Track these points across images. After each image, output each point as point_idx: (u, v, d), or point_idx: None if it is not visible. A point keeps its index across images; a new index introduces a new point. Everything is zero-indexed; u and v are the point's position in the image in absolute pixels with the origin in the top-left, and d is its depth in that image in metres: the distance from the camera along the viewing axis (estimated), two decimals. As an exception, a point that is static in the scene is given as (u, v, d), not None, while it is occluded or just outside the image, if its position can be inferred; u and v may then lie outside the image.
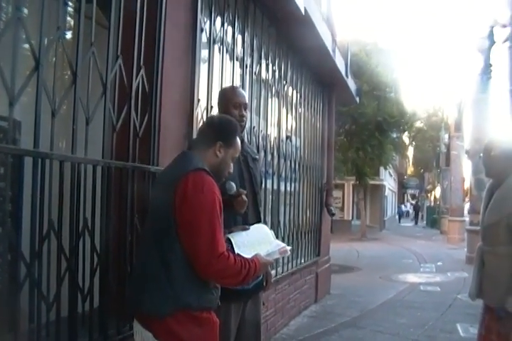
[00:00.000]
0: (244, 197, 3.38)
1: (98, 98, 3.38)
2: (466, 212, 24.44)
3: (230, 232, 3.13)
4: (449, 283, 12.53)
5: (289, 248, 3.20)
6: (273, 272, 5.93)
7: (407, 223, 45.92)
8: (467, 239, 17.35)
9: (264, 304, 4.28)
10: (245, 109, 3.76)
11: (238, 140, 3.05)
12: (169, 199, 2.69)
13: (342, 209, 32.62)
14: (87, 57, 3.27)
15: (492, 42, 16.87)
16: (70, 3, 3.73)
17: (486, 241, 4.22)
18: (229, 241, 3.02)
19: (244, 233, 3.23)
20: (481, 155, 4.43)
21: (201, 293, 2.74)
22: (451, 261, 16.86)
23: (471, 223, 16.88)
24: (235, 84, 5.40)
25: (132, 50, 3.74)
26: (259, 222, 3.78)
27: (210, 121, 3.28)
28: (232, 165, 3.05)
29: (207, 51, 4.98)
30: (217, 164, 2.93)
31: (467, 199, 25.07)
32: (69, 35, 4.01)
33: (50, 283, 2.94)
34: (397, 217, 43.38)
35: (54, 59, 3.06)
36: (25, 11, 3.38)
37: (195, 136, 4.29)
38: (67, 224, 3.08)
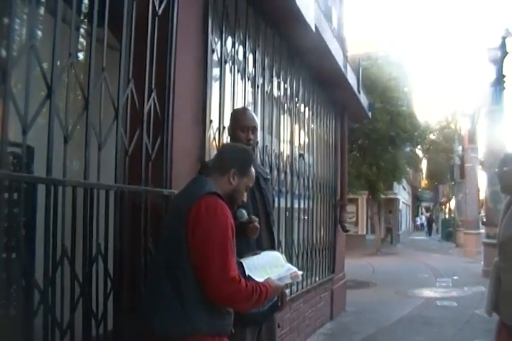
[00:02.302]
0: (256, 223, 3.37)
1: (110, 122, 3.38)
2: (481, 224, 24.20)
3: (241, 257, 3.12)
4: (466, 297, 12.40)
5: (300, 273, 3.20)
6: (287, 291, 5.89)
7: (422, 236, 45.57)
8: (483, 252, 17.17)
9: (279, 326, 4.25)
10: (253, 133, 3.76)
11: (253, 169, 3.06)
12: (182, 222, 2.71)
13: (356, 223, 32.43)
14: (99, 81, 3.28)
15: (504, 53, 16.84)
16: (83, 26, 3.77)
17: (502, 257, 4.19)
18: (240, 265, 3.01)
19: (255, 257, 3.23)
20: (496, 170, 4.41)
21: (213, 318, 2.74)
22: (467, 274, 16.69)
23: (487, 236, 16.73)
24: (246, 105, 5.41)
25: (144, 73, 3.75)
26: (273, 244, 3.78)
27: (225, 149, 3.31)
28: (245, 194, 3.06)
29: (218, 71, 4.98)
30: (230, 191, 2.95)
31: (482, 211, 24.89)
32: (80, 56, 4.03)
33: (63, 308, 2.93)
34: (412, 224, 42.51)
35: (66, 84, 3.06)
36: (39, 33, 3.43)
37: (207, 157, 4.31)
38: (80, 250, 3.07)
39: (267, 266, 3.14)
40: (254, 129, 3.80)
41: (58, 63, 2.93)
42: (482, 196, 25.88)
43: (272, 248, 3.72)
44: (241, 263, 3.04)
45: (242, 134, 3.72)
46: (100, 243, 3.24)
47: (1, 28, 2.98)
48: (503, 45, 16.92)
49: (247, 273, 2.98)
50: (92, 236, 3.17)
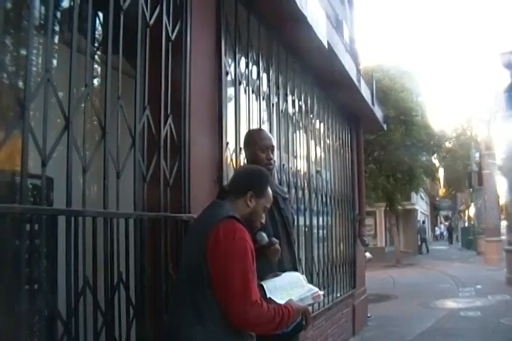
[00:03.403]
0: (277, 245, 3.35)
1: (127, 150, 3.40)
2: (502, 230, 23.97)
3: (262, 280, 3.11)
4: (490, 307, 12.24)
5: (321, 292, 3.18)
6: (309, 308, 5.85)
7: (442, 246, 45.24)
8: (506, 260, 17.03)
9: (303, 346, 4.22)
10: (272, 152, 3.76)
11: (270, 191, 3.05)
12: (201, 247, 2.70)
13: (375, 236, 32.22)
14: (115, 109, 3.30)
15: (518, 57, 16.76)
16: (97, 53, 3.80)
17: None
18: (261, 287, 2.99)
19: (276, 278, 3.22)
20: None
21: None
22: (490, 283, 16.50)
23: (510, 243, 16.58)
24: (262, 124, 5.42)
25: (159, 98, 3.77)
26: (295, 264, 3.76)
27: (241, 172, 3.30)
28: (264, 215, 3.05)
29: (233, 92, 5.01)
30: (248, 214, 2.94)
31: (503, 217, 24.70)
32: (96, 84, 4.05)
33: (87, 338, 2.93)
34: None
35: (83, 114, 3.08)
36: (54, 62, 3.46)
37: (225, 179, 4.31)
38: (101, 279, 3.08)
39: (288, 287, 3.12)
40: (273, 148, 3.79)
41: (75, 92, 2.96)
42: (502, 202, 25.70)
43: (294, 268, 3.70)
44: (261, 285, 3.03)
45: (261, 154, 3.70)
46: (121, 271, 3.25)
47: (17, 60, 3.03)
48: (516, 49, 16.86)
49: (268, 295, 2.97)
50: (113, 265, 3.18)
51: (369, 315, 11.11)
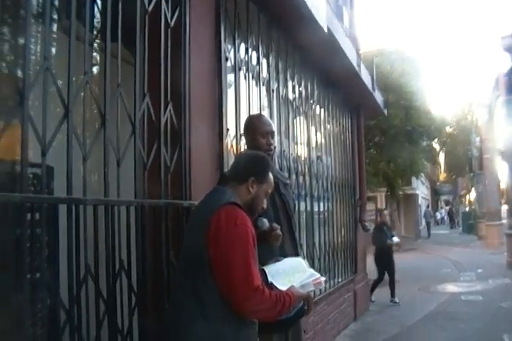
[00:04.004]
0: (278, 231, 3.35)
1: (128, 138, 3.39)
2: (503, 215, 24.01)
3: (263, 265, 3.11)
4: (491, 290, 12.31)
5: (323, 279, 3.18)
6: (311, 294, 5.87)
7: (443, 230, 45.26)
8: (507, 243, 17.08)
9: (304, 331, 4.23)
10: (273, 137, 3.74)
11: (271, 176, 3.04)
12: (202, 233, 2.70)
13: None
14: (115, 97, 3.29)
15: (518, 41, 16.67)
16: (96, 41, 3.78)
17: None
18: (262, 272, 2.99)
19: (277, 263, 3.22)
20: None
21: (239, 329, 2.72)
22: (491, 267, 16.54)
23: (510, 227, 16.60)
24: (261, 109, 5.40)
25: (159, 86, 3.76)
26: (296, 249, 3.76)
27: (242, 158, 3.29)
28: (265, 201, 3.04)
29: (232, 78, 4.98)
30: (250, 200, 2.93)
31: (503, 202, 24.72)
32: (95, 72, 4.03)
33: (89, 326, 2.94)
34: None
35: (82, 102, 3.07)
36: (53, 50, 3.44)
37: (226, 165, 4.30)
38: (103, 267, 3.09)
39: (290, 272, 3.12)
40: (273, 134, 3.77)
41: (74, 80, 2.94)
42: (502, 186, 25.71)
43: (296, 253, 3.70)
44: (263, 270, 3.03)
45: (262, 140, 3.68)
46: (123, 258, 3.25)
47: (16, 49, 3.01)
48: (517, 33, 16.76)
49: (269, 280, 2.97)
50: (115, 252, 3.18)
51: (372, 299, 11.26)
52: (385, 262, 11.53)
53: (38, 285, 2.70)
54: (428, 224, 38.89)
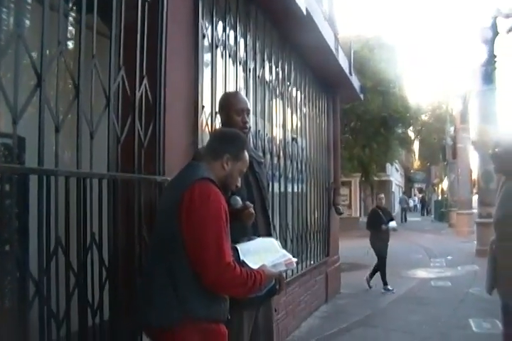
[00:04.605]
0: (251, 209, 3.34)
1: (101, 110, 3.34)
2: (474, 204, 24.30)
3: (236, 243, 3.11)
4: (460, 277, 12.53)
5: (294, 260, 3.18)
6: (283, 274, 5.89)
7: (415, 217, 45.71)
8: (477, 232, 17.32)
9: (276, 310, 4.25)
10: (248, 115, 3.72)
11: (246, 154, 3.03)
12: (175, 208, 2.70)
13: (349, 206, 32.53)
14: (89, 69, 3.24)
15: (495, 33, 16.81)
16: (71, 14, 3.72)
17: (497, 236, 4.22)
18: (235, 250, 2.99)
19: (250, 242, 3.22)
20: (490, 152, 4.43)
21: (209, 304, 2.73)
22: (461, 254, 16.79)
23: (480, 215, 16.82)
24: (238, 88, 5.37)
25: (134, 59, 3.71)
26: (269, 229, 3.76)
27: (218, 134, 3.28)
28: (239, 179, 3.03)
29: (209, 56, 4.94)
30: (224, 177, 2.92)
31: (475, 191, 24.99)
32: (70, 45, 3.97)
33: (59, 299, 2.92)
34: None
35: (56, 72, 3.01)
36: (27, 22, 3.38)
37: (200, 143, 4.28)
38: (74, 240, 3.05)
39: (262, 251, 3.13)
40: (248, 112, 3.75)
41: (47, 52, 2.89)
42: (474, 176, 25.97)
43: (268, 233, 3.70)
44: (235, 248, 3.03)
45: (237, 117, 3.65)
46: (94, 232, 3.22)
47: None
48: (494, 25, 16.88)
49: (241, 258, 2.97)
50: (86, 226, 3.14)
51: (371, 285, 11.17)
52: (379, 247, 11.32)
53: (7, 258, 2.67)
54: (404, 209, 39.60)
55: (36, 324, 2.76)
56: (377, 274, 11.07)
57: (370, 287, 11.12)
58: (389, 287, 10.92)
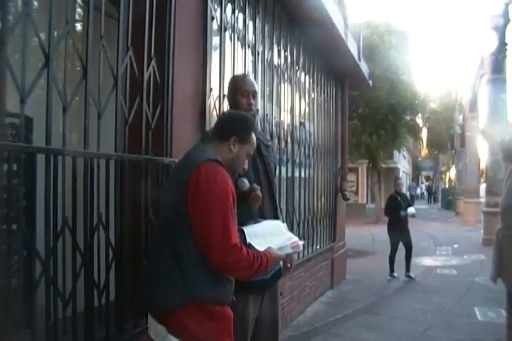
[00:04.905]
0: (258, 192, 3.33)
1: (109, 91, 3.34)
2: (481, 193, 24.24)
3: (242, 226, 3.10)
4: (466, 266, 12.50)
5: (301, 242, 3.17)
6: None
7: (422, 205, 45.64)
8: (483, 221, 17.26)
9: (281, 294, 4.26)
10: (254, 98, 3.69)
11: (254, 136, 3.02)
12: (182, 189, 2.68)
13: (356, 192, 32.57)
14: (97, 50, 3.23)
15: (507, 21, 16.62)
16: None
17: (503, 225, 4.21)
18: (241, 232, 2.99)
19: (256, 225, 3.21)
20: (498, 139, 4.41)
21: (214, 286, 2.73)
22: (467, 243, 16.77)
23: (488, 204, 16.77)
24: (246, 72, 5.35)
25: (142, 40, 3.70)
26: (275, 213, 3.75)
27: (226, 116, 3.26)
28: (246, 161, 3.02)
29: (218, 39, 4.91)
30: (231, 159, 2.91)
31: (483, 180, 24.93)
32: (78, 27, 3.96)
33: (65, 279, 2.94)
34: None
35: (64, 53, 3.01)
36: (35, 3, 3.36)
37: (208, 126, 4.27)
38: (81, 220, 3.07)
39: (268, 234, 3.12)
40: (255, 94, 3.71)
41: (55, 33, 2.89)
42: (482, 165, 25.89)
43: (275, 216, 3.69)
44: (242, 230, 3.02)
45: (242, 99, 3.63)
46: (101, 212, 3.23)
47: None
48: (506, 12, 16.70)
49: (247, 240, 2.97)
50: (93, 206, 3.16)
51: (395, 275, 10.92)
52: (398, 234, 10.99)
53: (14, 237, 2.67)
54: (412, 197, 39.41)
55: (42, 303, 2.78)
56: (380, 261, 11.02)
57: (413, 278, 10.76)
58: (411, 274, 10.75)
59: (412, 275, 10.79)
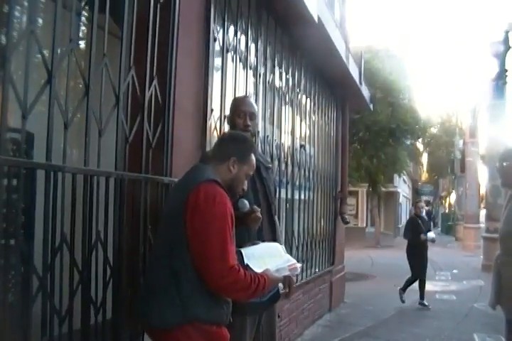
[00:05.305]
0: (258, 214, 3.34)
1: (111, 109, 3.36)
2: (481, 218, 24.22)
3: (240, 247, 3.10)
4: (465, 291, 12.47)
5: (299, 265, 3.18)
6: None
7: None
8: (483, 247, 17.25)
9: (279, 316, 4.24)
10: (251, 119, 3.71)
11: (253, 157, 3.04)
12: (181, 209, 2.70)
13: (356, 216, 32.52)
14: (100, 68, 3.26)
15: (507, 47, 16.80)
16: (84, 13, 3.73)
17: (502, 251, 4.20)
18: (239, 254, 2.99)
19: (254, 246, 3.21)
20: (496, 165, 4.41)
21: (211, 306, 2.73)
22: (466, 268, 16.74)
23: (487, 230, 16.75)
24: (248, 94, 5.38)
25: (145, 60, 3.72)
26: (274, 235, 3.75)
27: (226, 137, 3.29)
28: (246, 182, 3.03)
29: (220, 60, 4.96)
30: (230, 180, 2.92)
31: (483, 205, 24.92)
32: (81, 45, 4.00)
33: (62, 295, 2.92)
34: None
35: (66, 70, 3.04)
36: (40, 20, 3.40)
37: (208, 146, 4.28)
38: (79, 237, 3.05)
39: (266, 256, 3.12)
40: (252, 115, 3.73)
41: (59, 50, 2.91)
42: (482, 190, 25.92)
43: (273, 238, 3.69)
44: (240, 252, 3.02)
45: (239, 120, 3.66)
46: (100, 230, 3.23)
47: (1, 15, 2.96)
48: (506, 39, 16.88)
49: (245, 262, 2.97)
50: (92, 223, 3.15)
51: (403, 299, 10.51)
52: (416, 259, 10.57)
53: (12, 252, 2.67)
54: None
55: (38, 319, 2.76)
56: (379, 285, 10.90)
57: (403, 301, 10.49)
58: (425, 302, 10.37)
59: (425, 303, 10.44)
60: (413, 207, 11.60)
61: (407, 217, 43.12)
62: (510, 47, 16.83)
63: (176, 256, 2.69)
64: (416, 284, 10.56)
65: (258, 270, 2.91)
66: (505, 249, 4.16)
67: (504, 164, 4.23)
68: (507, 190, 4.44)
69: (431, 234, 10.68)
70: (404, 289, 10.62)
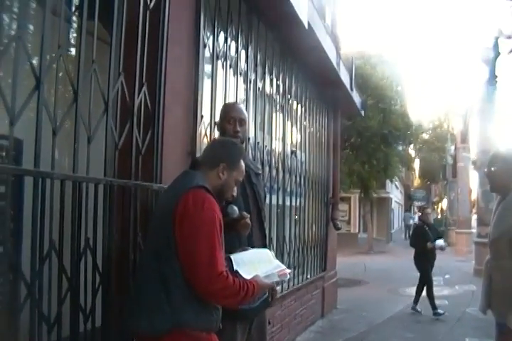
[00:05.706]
0: (247, 220, 3.34)
1: (100, 116, 3.35)
2: (473, 223, 24.26)
3: (230, 253, 3.10)
4: (457, 296, 12.47)
5: (288, 271, 3.17)
6: (278, 288, 5.85)
7: (415, 235, 45.61)
8: (475, 251, 17.25)
9: (269, 323, 4.23)
10: (241, 125, 3.71)
11: (243, 163, 3.04)
12: (170, 215, 2.70)
13: (348, 222, 32.52)
14: (89, 74, 3.25)
15: (497, 53, 16.87)
16: (73, 19, 3.73)
17: (492, 256, 4.20)
18: (228, 260, 2.99)
19: (244, 252, 3.21)
20: (485, 170, 4.42)
21: (200, 313, 2.72)
22: (458, 273, 16.74)
23: (479, 235, 16.78)
24: (238, 100, 5.38)
25: (134, 66, 3.72)
26: (264, 241, 3.75)
27: (215, 143, 3.30)
28: (235, 188, 3.04)
29: (210, 66, 4.95)
30: (219, 186, 2.93)
31: (474, 211, 24.97)
32: (70, 51, 3.99)
33: (51, 303, 2.90)
34: (403, 228, 43.75)
35: (55, 77, 3.03)
36: (29, 26, 3.39)
37: (198, 153, 4.28)
38: (68, 244, 3.04)
39: (256, 261, 3.12)
40: (242, 121, 3.73)
41: (48, 57, 2.90)
42: (474, 195, 25.95)
43: (263, 244, 3.69)
44: (229, 258, 3.02)
45: (228, 126, 3.66)
46: (89, 237, 3.21)
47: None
48: (496, 46, 16.95)
49: (234, 268, 2.97)
50: (81, 230, 3.13)
51: (419, 309, 10.32)
52: (423, 267, 10.51)
53: (0, 259, 2.65)
54: (407, 226, 40.09)
55: (27, 326, 2.74)
56: (371, 291, 10.87)
57: (418, 311, 10.26)
58: (440, 311, 9.90)
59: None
60: (420, 213, 11.21)
61: (400, 222, 43.32)
62: (500, 53, 16.90)
63: (164, 263, 2.69)
64: (409, 289, 10.50)
65: (247, 276, 2.90)
66: (494, 253, 4.16)
67: (492, 169, 4.23)
68: (497, 195, 4.45)
69: (440, 242, 10.40)
70: (416, 301, 10.43)
